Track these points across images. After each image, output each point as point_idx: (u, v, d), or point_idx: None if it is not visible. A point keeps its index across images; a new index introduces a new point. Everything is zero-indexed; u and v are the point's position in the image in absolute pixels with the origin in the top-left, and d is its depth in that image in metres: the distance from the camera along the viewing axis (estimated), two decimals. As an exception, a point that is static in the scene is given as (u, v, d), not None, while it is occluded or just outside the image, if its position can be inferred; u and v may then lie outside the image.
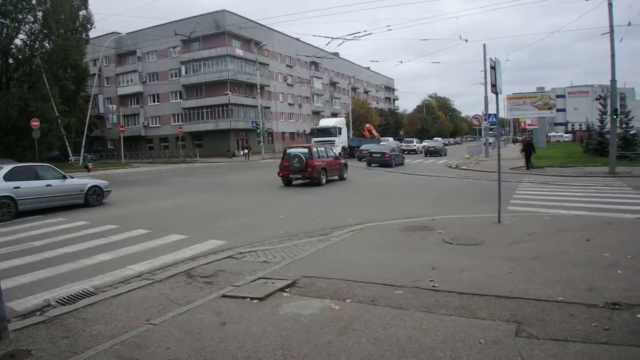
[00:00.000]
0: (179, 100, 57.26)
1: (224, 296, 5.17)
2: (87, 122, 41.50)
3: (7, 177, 12.17)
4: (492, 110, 34.00)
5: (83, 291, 5.70)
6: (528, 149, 24.67)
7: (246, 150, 48.50)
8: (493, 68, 9.24)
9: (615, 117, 21.06)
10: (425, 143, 53.77)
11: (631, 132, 31.38)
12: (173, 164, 44.54)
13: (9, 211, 11.92)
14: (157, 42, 52.36)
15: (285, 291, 5.24)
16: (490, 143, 40.10)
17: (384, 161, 30.01)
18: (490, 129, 39.19)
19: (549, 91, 60.33)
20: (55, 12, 36.46)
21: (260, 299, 4.97)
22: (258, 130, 48.57)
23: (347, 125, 50.75)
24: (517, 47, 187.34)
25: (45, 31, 37.24)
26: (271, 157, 48.89)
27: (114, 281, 6.17)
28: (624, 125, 31.27)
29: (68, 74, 41.55)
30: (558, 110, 72.66)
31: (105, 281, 6.17)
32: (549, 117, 58.51)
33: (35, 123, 28.29)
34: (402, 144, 52.46)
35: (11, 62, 38.58)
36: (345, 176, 21.28)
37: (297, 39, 67.63)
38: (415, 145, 53.03)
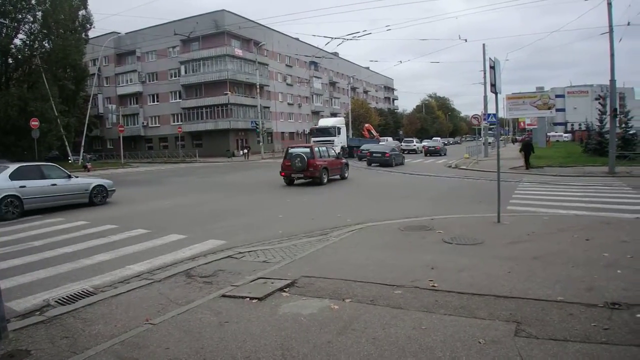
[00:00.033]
0: (178, 100, 57.25)
1: (224, 296, 5.16)
2: (86, 122, 41.47)
3: (13, 176, 12.31)
4: (491, 110, 34.05)
5: (82, 291, 5.70)
6: (527, 149, 24.71)
7: (245, 150, 48.48)
8: (492, 68, 9.24)
9: (614, 116, 21.07)
10: (425, 143, 53.79)
11: (630, 132, 31.39)
12: (172, 163, 44.53)
13: (14, 210, 12.05)
14: (157, 42, 52.35)
15: (284, 291, 5.24)
16: (489, 143, 40.11)
17: (384, 161, 30.06)
18: (490, 129, 39.21)
19: (548, 91, 60.37)
20: (55, 12, 36.48)
21: (259, 299, 4.97)
22: (257, 130, 48.57)
23: (347, 125, 50.77)
24: (516, 47, 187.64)
25: (45, 31, 37.26)
26: (270, 157, 48.90)
27: (114, 281, 6.17)
28: (623, 125, 31.29)
29: (67, 74, 41.57)
30: (557, 110, 72.69)
31: (104, 281, 6.17)
32: (548, 117, 58.52)
33: (34, 123, 28.28)
34: (402, 143, 52.46)
35: (11, 62, 38.60)
36: (346, 175, 21.47)
37: (297, 39, 67.62)
38: (415, 145, 53.07)
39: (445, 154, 44.59)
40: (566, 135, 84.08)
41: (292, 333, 4.07)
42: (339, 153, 26.71)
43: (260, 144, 49.51)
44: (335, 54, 64.38)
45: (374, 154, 31.22)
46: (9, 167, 12.81)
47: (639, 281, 5.09)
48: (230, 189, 18.70)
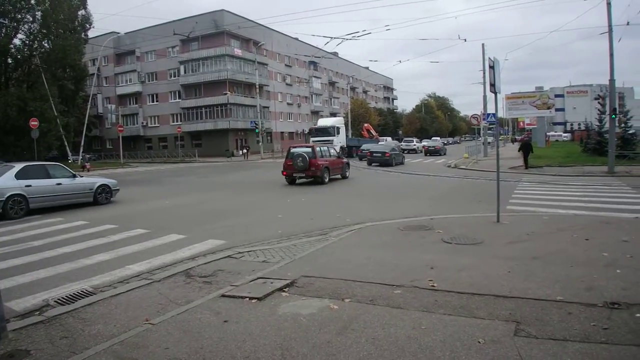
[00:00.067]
0: (177, 100, 57.22)
1: (223, 296, 5.16)
2: (85, 121, 41.46)
3: (19, 175, 12.44)
4: (491, 109, 34.06)
5: (82, 291, 5.70)
6: (526, 149, 24.74)
7: (245, 150, 48.48)
8: (492, 67, 9.25)
9: (614, 116, 21.07)
10: (425, 143, 53.88)
11: (630, 132, 31.44)
12: (172, 163, 44.53)
13: (20, 209, 12.17)
14: (156, 42, 52.29)
15: (284, 291, 5.24)
16: (489, 143, 40.14)
17: (385, 160, 30.13)
18: (489, 129, 39.22)
19: (547, 91, 60.49)
20: (54, 11, 36.46)
21: (259, 299, 4.97)
22: (257, 130, 48.57)
23: (346, 124, 50.81)
24: (515, 47, 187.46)
25: (44, 31, 37.24)
26: (270, 156, 48.91)
27: (113, 281, 6.17)
28: (622, 125, 31.32)
29: (67, 74, 41.53)
30: (557, 109, 72.66)
31: (104, 281, 6.17)
32: (547, 116, 58.57)
33: (34, 123, 28.24)
34: (402, 143, 52.51)
35: (10, 61, 38.58)
36: (347, 175, 21.71)
37: (296, 39, 67.59)
38: (415, 145, 53.25)
39: (444, 154, 44.66)
40: (565, 135, 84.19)
41: (291, 333, 4.06)
42: (339, 153, 26.79)
43: (260, 143, 49.54)
44: (335, 53, 64.36)
45: (374, 154, 31.32)
46: (14, 166, 12.95)
47: (639, 281, 5.10)
48: (229, 188, 18.69)
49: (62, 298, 5.45)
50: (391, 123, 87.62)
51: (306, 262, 6.45)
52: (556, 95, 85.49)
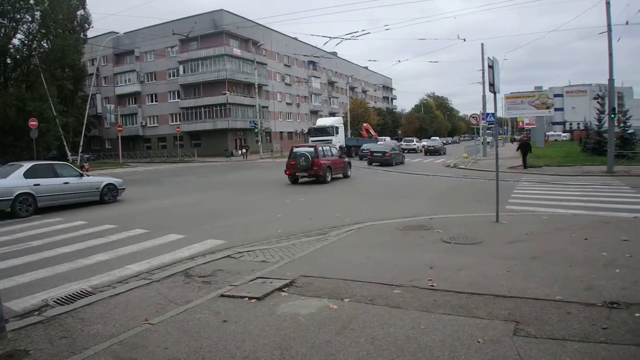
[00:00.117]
0: (176, 100, 57.15)
1: (222, 296, 5.16)
2: (85, 121, 41.37)
3: (28, 174, 12.63)
4: (490, 109, 34.10)
5: (81, 291, 5.70)
6: (524, 149, 24.77)
7: (244, 150, 48.44)
8: (491, 67, 9.25)
9: (613, 116, 21.10)
10: (425, 142, 54.02)
11: (629, 131, 31.41)
12: (171, 163, 44.51)
13: (28, 207, 12.34)
14: (155, 42, 52.27)
15: (283, 291, 5.24)
16: (488, 142, 40.15)
17: (385, 160, 30.21)
18: (488, 128, 39.23)
19: (546, 90, 60.50)
20: (53, 11, 36.38)
21: (258, 299, 4.97)
22: (256, 130, 48.57)
23: (345, 124, 50.84)
24: (514, 47, 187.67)
25: (43, 31, 37.14)
26: (269, 156, 48.93)
27: (112, 281, 6.17)
28: (621, 124, 31.32)
29: (66, 74, 41.44)
30: (556, 109, 72.75)
31: (103, 281, 6.17)
32: (546, 116, 58.57)
33: (33, 123, 28.17)
34: (402, 143, 52.68)
35: (9, 62, 38.47)
36: (349, 174, 22.02)
37: (295, 39, 67.56)
38: (415, 145, 53.70)
39: (444, 153, 44.81)
40: (565, 134, 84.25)
41: (290, 333, 4.06)
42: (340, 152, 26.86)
43: (259, 143, 49.52)
44: (334, 53, 64.41)
45: (374, 154, 31.40)
46: (23, 165, 13.12)
47: (638, 280, 5.10)
48: (228, 188, 18.69)
49: (61, 298, 5.45)
50: (390, 123, 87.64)
51: (305, 262, 6.45)
52: (555, 95, 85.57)
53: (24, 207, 12.23)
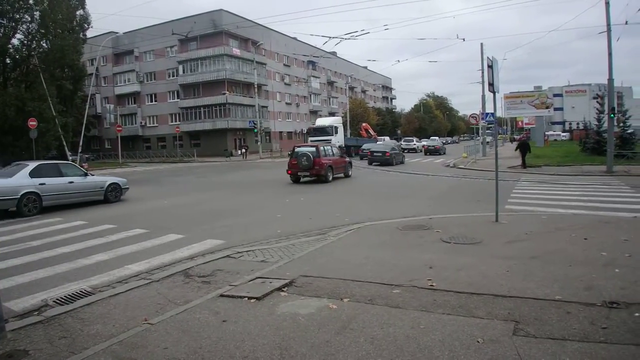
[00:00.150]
0: (176, 100, 57.14)
1: (222, 296, 5.16)
2: (84, 121, 41.31)
3: (33, 173, 12.77)
4: (489, 109, 34.14)
5: (80, 291, 5.70)
6: (523, 148, 24.79)
7: (243, 150, 48.43)
8: (490, 67, 9.25)
9: (612, 115, 21.11)
10: (425, 142, 54.14)
11: (628, 131, 31.44)
12: (170, 163, 44.51)
13: (34, 206, 12.47)
14: (155, 42, 52.25)
15: (283, 290, 5.24)
16: (487, 142, 40.15)
17: (385, 160, 30.29)
18: (488, 128, 39.23)
19: (546, 90, 60.51)
20: (53, 11, 36.34)
21: (258, 299, 4.97)
22: (255, 130, 48.57)
23: (345, 124, 50.85)
24: (514, 46, 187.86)
25: (43, 31, 37.10)
26: (269, 156, 48.92)
27: (112, 281, 6.16)
28: (621, 124, 31.34)
29: (65, 74, 41.42)
30: (555, 109, 72.84)
31: (102, 281, 6.17)
32: (546, 116, 58.61)
33: (32, 123, 28.17)
34: (402, 142, 52.82)
35: (8, 62, 38.43)
36: (350, 174, 22.25)
37: (295, 38, 67.53)
38: (415, 144, 54.01)
39: (444, 153, 44.92)
40: (564, 134, 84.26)
41: (290, 333, 4.06)
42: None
43: (259, 143, 49.52)
44: (334, 53, 64.36)
45: (374, 153, 31.48)
46: (28, 164, 13.25)
47: (637, 280, 5.10)
48: (228, 188, 18.69)
49: (61, 298, 5.45)
50: (390, 122, 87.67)
51: (305, 262, 6.45)
52: (555, 95, 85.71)
53: (29, 206, 12.35)
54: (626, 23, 34.22)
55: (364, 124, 58.16)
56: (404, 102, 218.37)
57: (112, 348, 3.90)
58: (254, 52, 53.40)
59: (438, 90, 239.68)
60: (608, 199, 12.68)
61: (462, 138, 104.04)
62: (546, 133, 68.55)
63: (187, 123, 55.63)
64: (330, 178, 19.68)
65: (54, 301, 5.35)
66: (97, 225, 10.33)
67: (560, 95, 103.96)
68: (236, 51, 54.61)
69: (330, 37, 32.60)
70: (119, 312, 4.80)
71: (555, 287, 4.93)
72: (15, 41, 37.52)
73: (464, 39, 57.48)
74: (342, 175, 21.46)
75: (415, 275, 5.57)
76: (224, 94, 52.56)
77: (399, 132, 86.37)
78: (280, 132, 65.98)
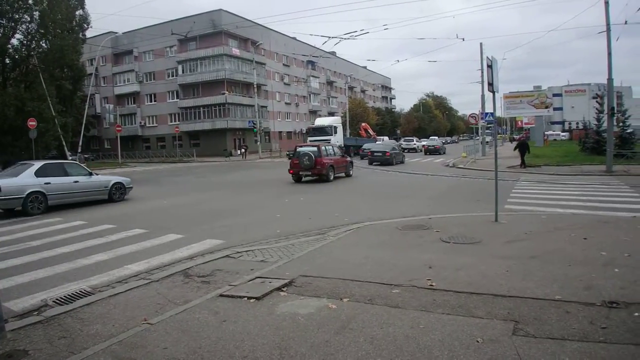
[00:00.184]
0: (175, 100, 57.11)
1: (221, 295, 5.16)
2: (84, 121, 41.32)
3: (39, 173, 12.92)
4: (489, 108, 34.13)
5: (80, 291, 5.70)
6: (522, 148, 24.79)
7: (243, 150, 48.43)
8: (490, 67, 9.25)
9: (612, 115, 21.11)
10: (425, 142, 54.19)
11: (628, 131, 31.42)
12: (170, 163, 44.49)
13: (39, 206, 12.59)
14: (154, 42, 52.23)
15: (282, 290, 5.24)
16: (487, 142, 40.17)
17: (385, 160, 30.37)
18: (487, 128, 39.25)
19: (545, 90, 60.44)
20: (52, 11, 36.32)
21: (257, 299, 4.97)
22: (255, 130, 48.55)
23: (344, 124, 50.88)
24: (514, 46, 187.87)
25: (42, 31, 37.08)
26: (268, 156, 48.92)
27: (111, 281, 6.17)
28: (620, 124, 31.33)
29: (65, 74, 41.41)
30: (555, 109, 72.95)
31: (102, 281, 6.17)
32: (545, 115, 58.61)
33: (32, 123, 28.17)
34: (402, 142, 52.87)
35: (8, 62, 38.40)
36: (351, 173, 22.47)
37: (294, 38, 67.51)
38: (415, 144, 54.07)
39: (444, 153, 44.97)
40: (564, 134, 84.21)
41: (289, 332, 4.06)
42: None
43: (258, 143, 49.51)
44: (333, 53, 64.30)
45: (374, 153, 31.55)
46: (34, 164, 13.37)
47: (637, 280, 5.10)
48: (227, 188, 18.69)
49: (61, 298, 5.45)
50: (389, 122, 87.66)
51: (304, 262, 6.45)
52: (554, 95, 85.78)
53: (35, 205, 12.47)
54: (626, 23, 34.11)
55: (363, 124, 58.15)
56: (404, 102, 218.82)
57: (112, 348, 3.90)
58: (254, 52, 53.37)
59: (437, 90, 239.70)
60: (607, 198, 12.68)
61: (461, 138, 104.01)
62: (546, 133, 68.53)
63: (187, 123, 55.60)
64: (332, 177, 19.91)
65: (53, 301, 5.35)
66: (97, 225, 10.33)
67: (559, 95, 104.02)
68: (235, 51, 54.59)
69: (329, 37, 32.62)
70: (119, 312, 4.81)
71: (555, 287, 4.93)
72: (14, 41, 37.49)
73: (463, 39, 57.85)
74: (343, 174, 21.66)
75: (415, 275, 5.57)
76: (224, 94, 52.54)
77: (398, 131, 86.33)
78: (280, 132, 65.96)
